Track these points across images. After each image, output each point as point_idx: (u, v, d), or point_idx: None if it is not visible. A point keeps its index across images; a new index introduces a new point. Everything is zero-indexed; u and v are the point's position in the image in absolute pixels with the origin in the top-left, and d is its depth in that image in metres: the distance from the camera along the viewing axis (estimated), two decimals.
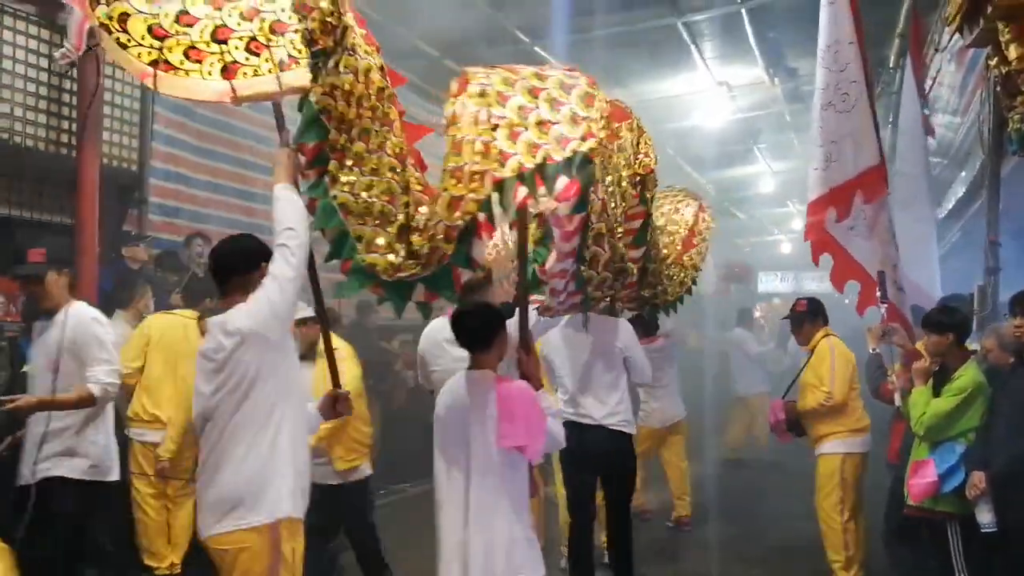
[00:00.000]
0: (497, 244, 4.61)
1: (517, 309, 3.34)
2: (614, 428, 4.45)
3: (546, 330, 4.43)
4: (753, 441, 9.85)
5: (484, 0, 7.68)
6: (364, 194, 2.80)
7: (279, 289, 2.69)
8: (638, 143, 4.33)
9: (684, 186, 5.86)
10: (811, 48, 8.70)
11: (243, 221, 7.66)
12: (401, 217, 2.82)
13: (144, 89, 6.56)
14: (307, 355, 4.33)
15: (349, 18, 2.79)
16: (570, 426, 3.97)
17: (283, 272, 2.70)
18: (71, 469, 3.88)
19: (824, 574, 5.06)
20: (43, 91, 5.75)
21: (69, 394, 3.84)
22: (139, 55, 2.52)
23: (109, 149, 6.29)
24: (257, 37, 2.64)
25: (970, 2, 3.92)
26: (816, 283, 19.40)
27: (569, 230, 3.60)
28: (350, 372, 4.30)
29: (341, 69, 2.71)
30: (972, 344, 4.24)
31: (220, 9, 2.63)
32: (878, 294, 4.67)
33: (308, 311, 4.22)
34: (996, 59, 3.99)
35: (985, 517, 3.71)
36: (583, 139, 2.90)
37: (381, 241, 2.79)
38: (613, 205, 3.97)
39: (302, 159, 2.84)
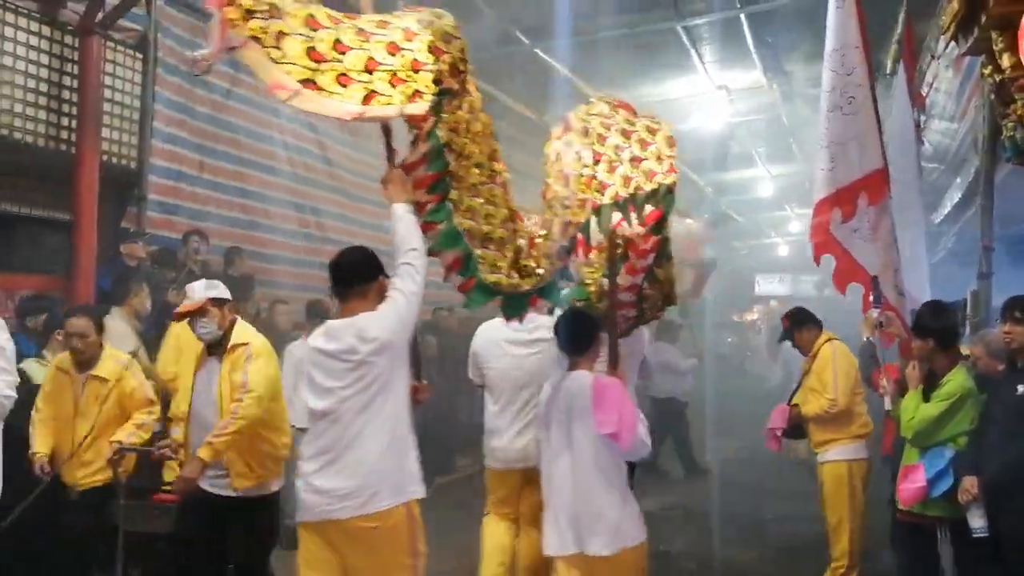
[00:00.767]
0: None
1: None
2: None
3: None
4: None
5: (486, 3, 7.71)
6: (483, 221, 3.21)
7: (407, 303, 3.04)
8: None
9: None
10: (809, 52, 8.78)
11: (242, 219, 7.69)
12: (521, 242, 3.33)
13: (145, 86, 6.59)
14: (215, 348, 3.88)
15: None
16: None
17: (410, 288, 3.05)
18: None
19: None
20: (43, 87, 5.77)
21: None
22: (290, 72, 2.72)
23: (109, 146, 6.31)
24: (399, 73, 2.90)
25: (965, 11, 3.95)
26: (813, 287, 19.47)
27: (645, 248, 3.91)
28: (261, 372, 3.79)
29: (463, 107, 3.10)
30: (965, 349, 4.25)
31: (368, 42, 2.88)
32: (871, 298, 4.70)
33: (220, 290, 3.90)
34: (990, 67, 4.02)
35: (977, 522, 3.72)
36: (666, 173, 3.52)
37: (503, 264, 3.26)
38: None
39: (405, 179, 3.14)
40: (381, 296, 3.07)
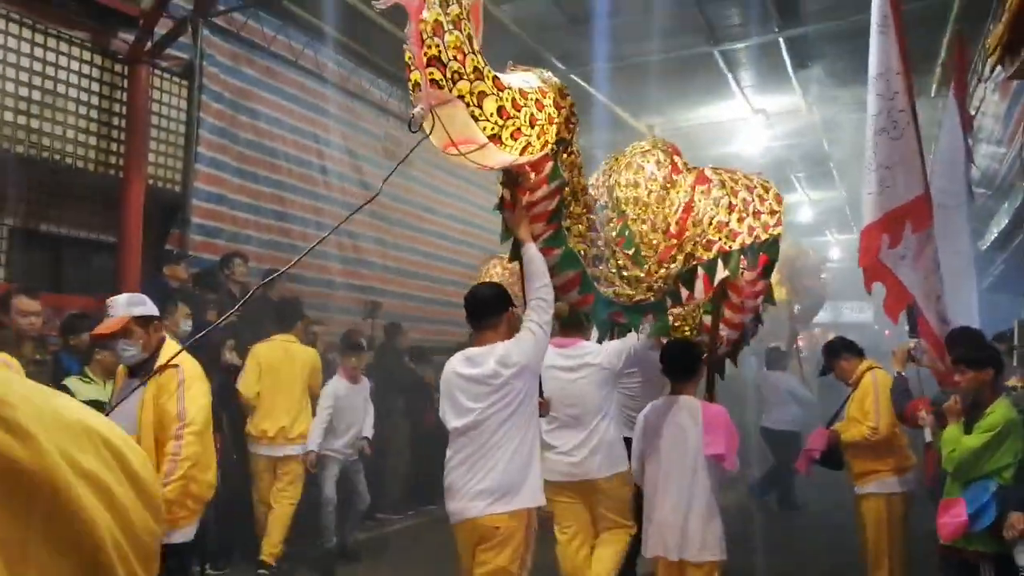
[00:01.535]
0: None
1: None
2: None
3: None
4: None
5: (521, 28, 7.79)
6: (589, 244, 3.72)
7: (543, 333, 3.47)
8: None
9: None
10: (848, 76, 8.69)
11: (281, 242, 7.81)
12: (622, 261, 3.83)
13: (190, 113, 6.77)
14: (138, 370, 3.51)
15: None
16: None
17: (544, 319, 3.48)
18: None
19: None
20: (93, 114, 5.96)
21: None
22: (483, 128, 3.02)
23: (155, 170, 6.47)
24: (545, 127, 3.29)
25: (1010, 34, 3.88)
26: (856, 312, 19.10)
27: (755, 290, 4.43)
28: (198, 401, 3.41)
29: (573, 150, 3.58)
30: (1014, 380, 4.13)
31: (526, 99, 3.21)
32: (906, 328, 4.59)
33: (146, 306, 3.53)
34: None
35: None
36: (775, 226, 4.13)
37: (614, 279, 3.74)
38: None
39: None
40: (510, 326, 3.57)
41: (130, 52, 6.15)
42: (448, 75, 2.89)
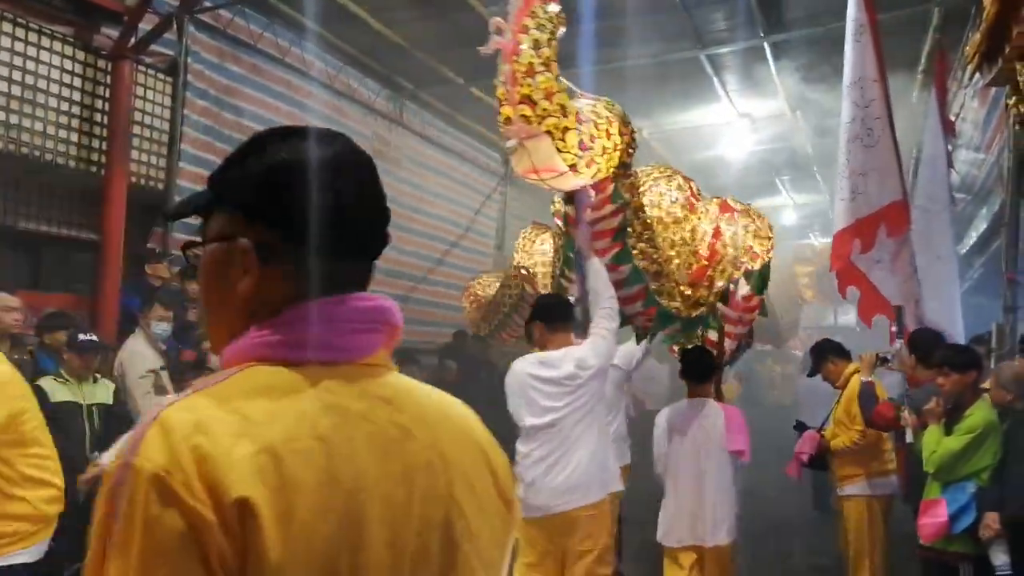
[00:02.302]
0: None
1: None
2: None
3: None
4: None
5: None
6: (650, 262, 4.15)
7: (613, 337, 3.90)
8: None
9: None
10: (833, 81, 8.75)
11: None
12: (678, 277, 4.34)
13: (174, 110, 6.73)
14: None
15: None
16: None
17: (613, 326, 3.89)
18: None
19: None
20: (75, 110, 5.91)
21: None
22: (565, 159, 3.41)
23: (138, 168, 6.42)
24: (611, 154, 3.67)
25: (988, 41, 3.93)
26: (841, 315, 19.21)
27: (751, 306, 4.92)
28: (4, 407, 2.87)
29: (631, 173, 3.99)
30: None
31: (599, 130, 3.59)
32: (893, 329, 4.64)
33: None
34: (1015, 98, 3.99)
35: (1000, 559, 3.64)
36: (770, 250, 4.81)
37: (675, 293, 4.24)
38: None
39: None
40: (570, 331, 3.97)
41: (114, 48, 6.10)
42: (538, 112, 3.32)
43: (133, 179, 6.30)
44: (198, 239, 1.01)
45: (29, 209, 5.90)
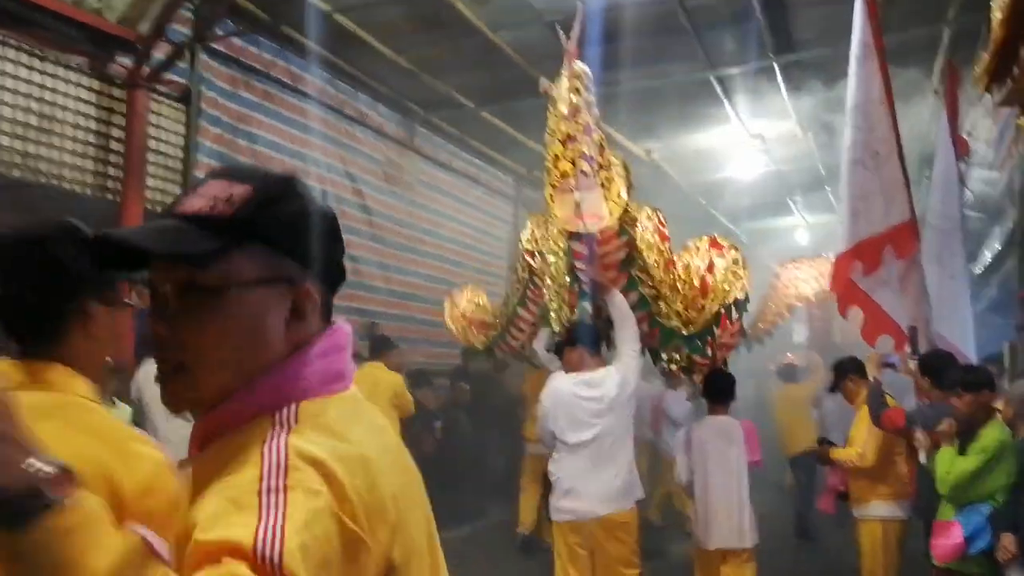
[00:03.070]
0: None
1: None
2: None
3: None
4: None
5: (516, 51, 7.85)
6: (652, 288, 4.69)
7: (638, 362, 4.55)
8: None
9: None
10: (842, 104, 8.75)
11: None
12: (696, 312, 4.77)
13: (188, 137, 6.81)
14: None
15: None
16: None
17: (636, 351, 4.53)
18: None
19: None
20: (91, 138, 5.99)
21: None
22: (611, 209, 4.10)
23: (153, 195, 6.49)
24: (623, 195, 4.31)
25: (998, 61, 3.92)
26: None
27: (734, 330, 5.14)
28: None
29: (630, 208, 4.49)
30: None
31: (617, 174, 4.27)
32: (908, 349, 4.60)
33: None
34: None
35: None
36: (743, 288, 4.95)
37: (679, 311, 4.73)
38: None
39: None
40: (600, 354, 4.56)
41: (128, 77, 6.19)
42: (595, 168, 3.91)
43: (148, 206, 6.37)
44: (199, 277, 0.94)
45: None
